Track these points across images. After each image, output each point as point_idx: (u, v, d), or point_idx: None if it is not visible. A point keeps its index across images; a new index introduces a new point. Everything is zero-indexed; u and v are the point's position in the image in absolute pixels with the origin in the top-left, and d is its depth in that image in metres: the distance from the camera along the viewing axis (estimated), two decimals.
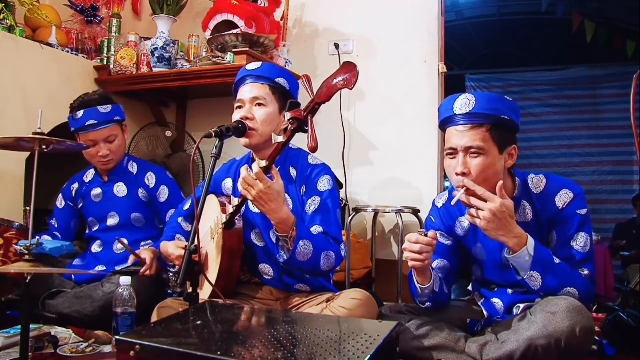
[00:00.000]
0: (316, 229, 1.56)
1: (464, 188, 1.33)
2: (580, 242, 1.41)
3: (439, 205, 1.63)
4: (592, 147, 6.25)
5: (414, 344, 1.44)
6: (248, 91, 1.64)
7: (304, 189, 1.63)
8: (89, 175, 2.23)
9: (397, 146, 2.85)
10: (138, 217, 2.14)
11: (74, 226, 2.26)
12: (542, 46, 7.16)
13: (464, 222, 1.55)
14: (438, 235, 1.50)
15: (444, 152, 1.44)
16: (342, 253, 1.56)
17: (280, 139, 1.33)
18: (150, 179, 2.16)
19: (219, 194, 1.78)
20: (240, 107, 1.65)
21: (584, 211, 1.43)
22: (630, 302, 2.71)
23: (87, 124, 2.01)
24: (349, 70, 1.26)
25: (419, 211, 2.62)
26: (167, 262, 1.75)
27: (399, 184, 2.83)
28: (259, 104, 1.62)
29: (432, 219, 1.63)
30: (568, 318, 1.23)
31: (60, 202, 2.25)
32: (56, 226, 2.24)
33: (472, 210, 1.34)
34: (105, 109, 2.05)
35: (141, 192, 2.14)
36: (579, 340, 1.23)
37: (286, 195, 1.60)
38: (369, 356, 0.87)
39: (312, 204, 1.60)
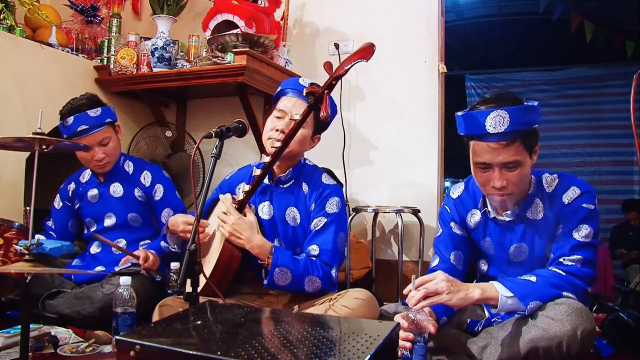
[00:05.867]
0: (311, 250, 1.61)
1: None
2: (583, 232, 1.39)
3: (454, 196, 1.62)
4: (592, 147, 6.23)
5: None
6: None
7: (314, 206, 1.67)
8: (85, 175, 2.22)
9: (397, 146, 2.85)
10: (135, 216, 2.14)
11: (71, 226, 2.25)
12: (542, 46, 7.14)
13: (476, 215, 1.56)
14: (453, 226, 1.58)
15: (474, 164, 1.41)
16: (332, 276, 1.60)
17: (297, 116, 1.44)
18: (147, 177, 2.15)
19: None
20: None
21: (590, 206, 1.40)
22: (630, 302, 2.72)
23: (79, 129, 2.00)
24: (366, 46, 1.33)
25: (419, 211, 2.62)
26: (170, 240, 1.82)
27: (399, 184, 2.83)
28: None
29: (448, 209, 1.63)
30: (569, 321, 1.23)
31: (57, 203, 2.24)
32: (52, 227, 2.23)
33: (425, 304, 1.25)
34: (94, 112, 2.02)
35: (137, 192, 2.14)
36: (580, 343, 1.23)
37: (294, 209, 1.67)
38: (369, 356, 0.87)
39: (318, 224, 1.64)
